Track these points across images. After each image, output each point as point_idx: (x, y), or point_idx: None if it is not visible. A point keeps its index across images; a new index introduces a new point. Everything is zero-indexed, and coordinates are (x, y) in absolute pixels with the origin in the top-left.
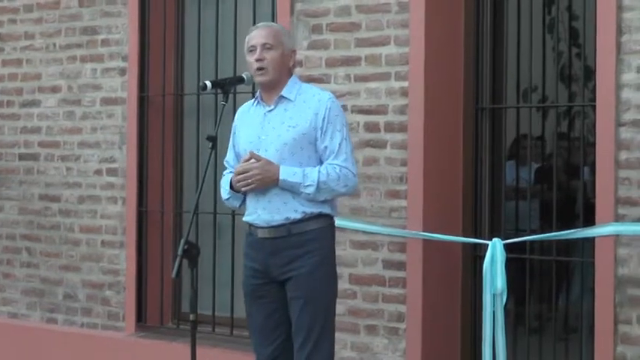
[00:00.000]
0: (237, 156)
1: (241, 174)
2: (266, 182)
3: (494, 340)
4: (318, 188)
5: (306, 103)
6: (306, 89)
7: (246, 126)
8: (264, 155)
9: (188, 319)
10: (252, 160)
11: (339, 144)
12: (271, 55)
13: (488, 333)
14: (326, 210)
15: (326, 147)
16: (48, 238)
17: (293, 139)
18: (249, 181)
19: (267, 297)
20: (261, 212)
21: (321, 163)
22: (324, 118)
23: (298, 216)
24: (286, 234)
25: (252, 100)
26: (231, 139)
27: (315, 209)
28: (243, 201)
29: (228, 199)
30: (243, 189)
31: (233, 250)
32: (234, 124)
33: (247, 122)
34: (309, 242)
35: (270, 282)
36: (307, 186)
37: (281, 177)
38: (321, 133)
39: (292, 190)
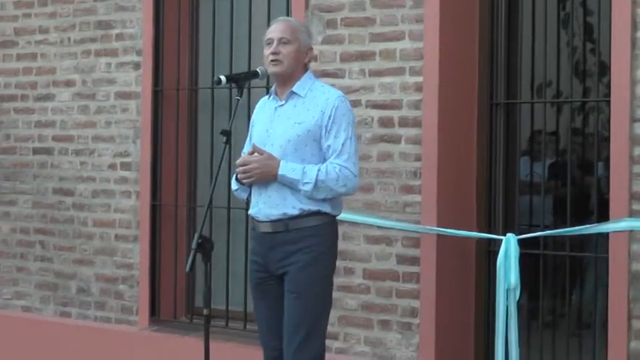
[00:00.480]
0: None
1: (243, 166)
2: (266, 176)
3: (507, 335)
4: (316, 186)
5: (315, 100)
6: (318, 87)
7: (260, 120)
8: (269, 149)
9: (201, 313)
10: (255, 154)
11: (343, 143)
12: (287, 49)
13: (500, 328)
14: (325, 208)
15: (329, 145)
16: (62, 232)
17: (297, 136)
18: (249, 174)
19: (270, 291)
20: (262, 206)
21: (324, 161)
22: (330, 116)
23: (296, 212)
24: (284, 229)
25: (268, 95)
26: (249, 131)
27: (313, 207)
28: (250, 194)
29: (236, 190)
30: (244, 181)
31: (247, 244)
32: (252, 117)
33: (261, 116)
34: (306, 239)
35: (271, 276)
36: (305, 183)
37: (280, 172)
38: (326, 131)
39: (291, 186)
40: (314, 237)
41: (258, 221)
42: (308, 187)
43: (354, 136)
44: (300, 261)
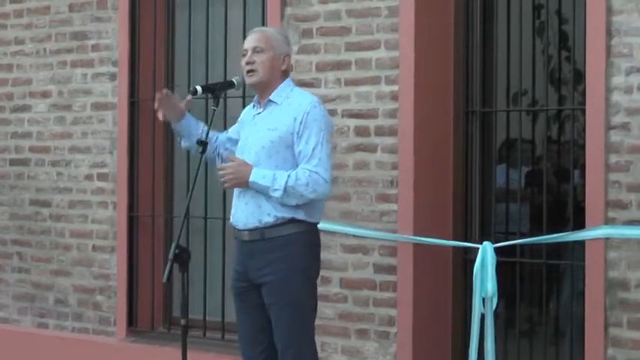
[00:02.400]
0: (232, 134)
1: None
2: (238, 182)
3: (481, 343)
4: (285, 192)
5: (290, 107)
6: (295, 94)
7: (242, 128)
8: (246, 157)
9: (179, 323)
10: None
11: (313, 148)
12: (261, 58)
13: (475, 336)
14: (299, 216)
15: (300, 151)
16: (39, 243)
17: (270, 142)
18: (223, 179)
19: (251, 301)
20: (240, 215)
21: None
22: (301, 122)
23: (271, 220)
24: (260, 237)
25: (253, 102)
26: (237, 121)
27: (287, 214)
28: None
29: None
30: (223, 187)
31: (224, 254)
32: (242, 114)
33: (243, 124)
34: (282, 247)
35: (251, 285)
36: (275, 190)
37: (250, 179)
38: (298, 136)
39: (263, 192)
40: (289, 246)
41: (238, 230)
42: (278, 194)
43: (327, 142)
44: (276, 272)
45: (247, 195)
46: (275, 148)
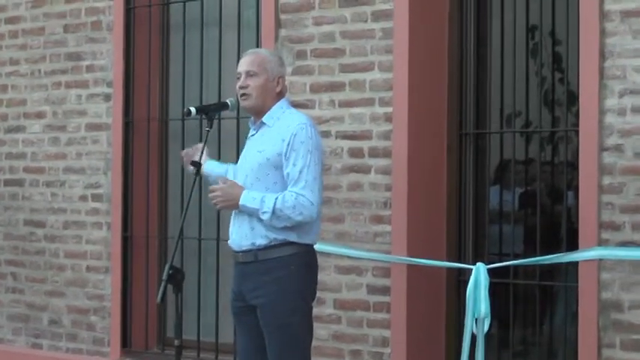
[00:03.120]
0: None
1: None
2: (229, 205)
3: None
4: (274, 214)
5: (279, 129)
6: (287, 115)
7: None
8: (239, 179)
9: (173, 344)
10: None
11: (300, 171)
12: (254, 81)
13: (465, 356)
14: (292, 238)
15: (288, 173)
16: (33, 263)
17: (259, 164)
18: (214, 201)
19: (248, 321)
20: (235, 237)
21: None
22: (288, 143)
23: (264, 242)
24: (253, 259)
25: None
26: None
27: (279, 236)
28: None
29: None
30: (216, 207)
31: (217, 275)
32: None
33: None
34: (274, 270)
35: (247, 306)
36: (264, 212)
37: (240, 202)
38: (285, 158)
39: (252, 215)
40: (283, 268)
41: (234, 251)
42: (266, 217)
43: (314, 164)
44: (270, 294)
45: (241, 217)
46: (264, 171)
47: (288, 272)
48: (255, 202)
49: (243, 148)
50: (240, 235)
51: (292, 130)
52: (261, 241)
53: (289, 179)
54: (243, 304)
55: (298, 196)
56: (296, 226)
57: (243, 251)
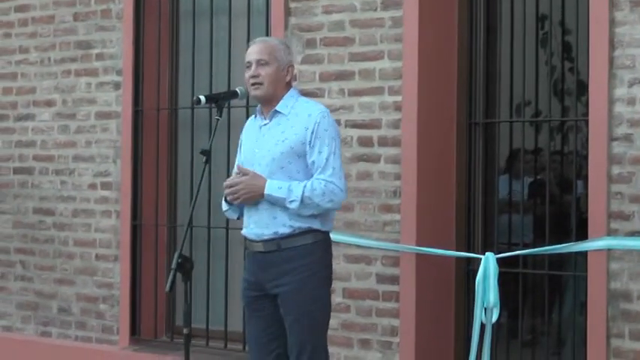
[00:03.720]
0: None
1: (230, 187)
2: (253, 196)
3: (480, 353)
4: (302, 203)
5: (298, 117)
6: (302, 103)
7: (247, 139)
8: (257, 169)
9: (182, 332)
10: (241, 174)
11: (327, 158)
12: (266, 70)
13: (474, 346)
14: (315, 225)
15: (314, 161)
16: (42, 251)
17: (281, 153)
18: (236, 195)
19: (263, 310)
20: (253, 226)
21: (311, 177)
22: (312, 132)
23: (287, 230)
24: (276, 248)
25: (254, 113)
26: (238, 150)
27: (304, 224)
28: (242, 213)
29: (226, 210)
30: (233, 202)
31: (227, 263)
32: (241, 135)
33: (249, 135)
34: (298, 257)
35: (264, 295)
36: (292, 201)
37: (266, 192)
38: (310, 147)
39: (278, 204)
40: (306, 256)
41: (251, 241)
42: (294, 205)
43: (338, 151)
44: (293, 282)
45: (261, 206)
46: (287, 159)
47: (311, 260)
48: (282, 192)
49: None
50: (261, 225)
51: (315, 119)
52: (284, 230)
53: (315, 167)
54: (258, 293)
55: (328, 184)
56: (321, 214)
57: (263, 240)
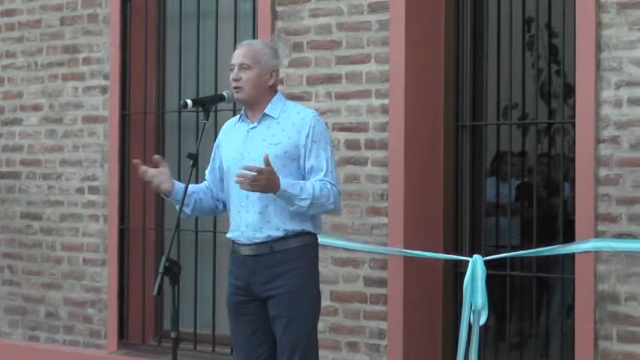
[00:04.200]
0: (214, 171)
1: (254, 173)
2: (268, 188)
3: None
4: (312, 202)
5: (290, 121)
6: (290, 107)
7: (230, 142)
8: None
9: (170, 336)
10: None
11: (326, 161)
12: (247, 74)
13: (462, 348)
14: (308, 227)
15: (312, 165)
16: (30, 256)
17: (275, 157)
18: (256, 182)
19: (250, 314)
20: (244, 229)
21: (303, 179)
22: (307, 136)
23: (280, 234)
24: (268, 251)
25: (238, 116)
26: (213, 152)
27: (297, 227)
28: (193, 210)
29: (188, 215)
30: (243, 187)
31: (214, 267)
32: (218, 137)
33: (231, 138)
34: (291, 260)
35: (253, 300)
36: (303, 199)
37: (282, 187)
38: (306, 151)
39: (288, 201)
40: (298, 259)
41: (240, 244)
42: (305, 203)
43: (332, 154)
44: (287, 284)
45: (252, 210)
46: (280, 162)
47: (302, 263)
48: (295, 188)
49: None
50: (253, 228)
51: (310, 122)
52: (277, 233)
53: (313, 170)
54: (247, 298)
55: (332, 186)
56: (314, 216)
57: (255, 244)
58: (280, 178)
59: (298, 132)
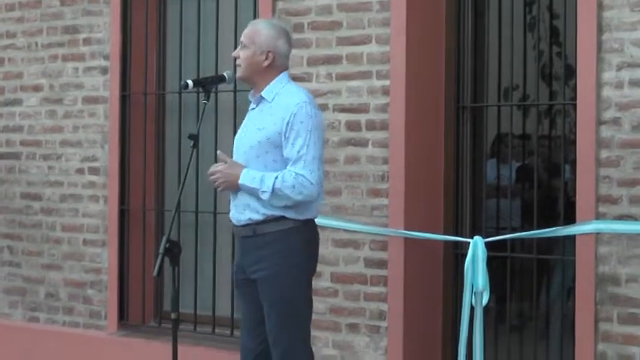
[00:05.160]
0: None
1: (211, 175)
2: (230, 185)
3: (471, 337)
4: (273, 194)
5: (279, 106)
6: (287, 91)
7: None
8: (237, 155)
9: (170, 317)
10: (221, 162)
11: (298, 151)
12: (244, 53)
13: (464, 330)
14: (289, 214)
15: (287, 153)
16: (30, 236)
17: (258, 142)
18: (216, 183)
19: (249, 293)
20: (233, 211)
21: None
22: (287, 123)
23: (260, 217)
24: (252, 234)
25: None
26: None
27: (276, 212)
28: None
29: None
30: (214, 185)
31: (215, 248)
32: None
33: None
34: (272, 244)
35: (247, 279)
36: (263, 192)
37: (240, 181)
38: (285, 138)
39: (251, 194)
40: (280, 242)
41: (234, 225)
42: (266, 196)
43: (314, 143)
44: (267, 268)
45: (240, 192)
46: (263, 148)
47: (286, 246)
48: (255, 182)
49: (242, 121)
50: (238, 210)
51: (292, 110)
52: (257, 217)
53: (289, 159)
54: (244, 276)
55: (297, 176)
56: (295, 205)
57: (241, 226)
58: (242, 171)
59: (282, 118)
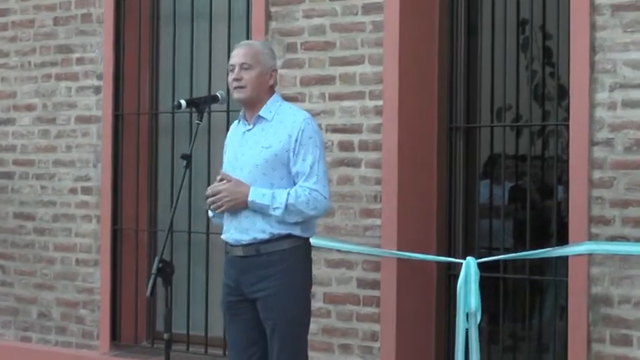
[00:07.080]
0: None
1: (212, 196)
2: (236, 204)
3: (467, 358)
4: (286, 210)
5: (282, 124)
6: (285, 109)
7: (231, 144)
8: (239, 175)
9: (162, 337)
10: (224, 181)
11: (311, 166)
12: (249, 74)
13: (460, 351)
14: (295, 232)
15: (298, 169)
16: (22, 256)
17: (265, 161)
18: (219, 203)
19: (242, 314)
20: (233, 231)
21: (294, 184)
22: (296, 139)
23: (266, 236)
24: (255, 253)
25: (237, 118)
26: (223, 156)
27: (283, 230)
28: None
29: (212, 217)
30: (217, 211)
31: (207, 268)
32: (225, 141)
33: (232, 140)
34: (277, 263)
35: (244, 300)
36: (276, 208)
37: (250, 199)
38: (294, 154)
39: (262, 211)
40: (285, 261)
41: (231, 245)
42: (278, 212)
43: (323, 158)
44: (271, 287)
45: (241, 214)
46: (270, 166)
47: (290, 265)
48: (266, 199)
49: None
50: (240, 231)
51: (300, 126)
52: (263, 236)
53: (299, 175)
54: (239, 298)
55: (312, 191)
56: (305, 221)
57: (242, 245)
58: (250, 189)
59: (289, 135)
